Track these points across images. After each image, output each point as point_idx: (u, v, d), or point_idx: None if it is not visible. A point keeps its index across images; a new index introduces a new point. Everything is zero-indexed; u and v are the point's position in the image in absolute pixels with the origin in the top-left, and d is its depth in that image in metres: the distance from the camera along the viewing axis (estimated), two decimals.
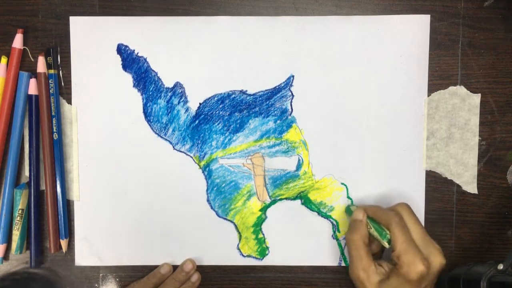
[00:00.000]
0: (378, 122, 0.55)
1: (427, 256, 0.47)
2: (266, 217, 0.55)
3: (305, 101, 0.54)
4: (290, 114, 0.55)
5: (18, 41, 0.54)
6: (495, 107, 0.55)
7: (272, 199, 0.55)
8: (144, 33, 0.54)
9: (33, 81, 0.53)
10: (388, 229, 0.48)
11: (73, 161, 0.55)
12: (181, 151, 0.55)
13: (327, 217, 0.55)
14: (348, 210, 0.54)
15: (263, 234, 0.55)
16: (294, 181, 0.55)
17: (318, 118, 0.55)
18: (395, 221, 0.48)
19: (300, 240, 0.55)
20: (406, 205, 0.50)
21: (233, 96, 0.54)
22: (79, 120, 0.55)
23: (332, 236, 0.55)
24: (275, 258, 0.56)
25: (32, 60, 0.54)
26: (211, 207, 0.55)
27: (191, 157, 0.55)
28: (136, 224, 0.55)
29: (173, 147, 0.55)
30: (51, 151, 0.53)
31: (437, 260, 0.47)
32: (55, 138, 0.54)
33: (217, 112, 0.55)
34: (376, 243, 0.51)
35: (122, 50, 0.54)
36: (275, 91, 0.54)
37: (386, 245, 0.49)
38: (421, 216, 0.55)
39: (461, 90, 0.54)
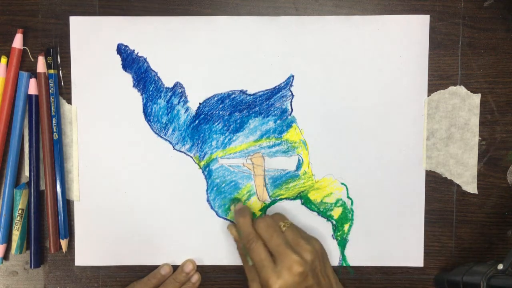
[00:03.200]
0: (378, 122, 0.55)
1: (280, 271, 0.46)
2: None
3: (305, 101, 0.54)
4: (290, 114, 0.55)
5: (18, 41, 0.54)
6: (495, 107, 0.55)
7: (272, 199, 0.55)
8: (144, 33, 0.54)
9: (33, 81, 0.53)
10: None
11: (73, 161, 0.55)
12: (181, 151, 0.55)
13: (327, 217, 0.55)
14: (233, 208, 0.55)
15: None
16: (294, 181, 0.55)
17: (318, 118, 0.55)
18: (247, 247, 0.49)
19: None
20: (263, 220, 0.50)
21: (233, 96, 0.54)
22: (79, 120, 0.55)
23: (332, 236, 0.55)
24: None
25: (32, 60, 0.54)
26: (211, 207, 0.55)
27: (191, 157, 0.55)
28: (136, 224, 0.55)
29: (173, 147, 0.55)
30: (51, 151, 0.53)
31: (291, 272, 0.46)
32: (55, 138, 0.54)
33: (217, 112, 0.55)
34: None
35: (122, 50, 0.54)
36: (275, 91, 0.54)
37: (250, 264, 0.50)
38: (421, 216, 0.55)
39: (461, 90, 0.54)
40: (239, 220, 0.51)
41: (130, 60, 0.54)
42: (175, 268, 0.55)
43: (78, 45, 0.54)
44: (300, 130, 0.55)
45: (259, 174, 0.55)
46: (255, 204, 0.55)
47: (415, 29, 0.54)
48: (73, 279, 0.56)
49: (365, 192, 0.55)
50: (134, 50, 0.54)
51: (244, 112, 0.55)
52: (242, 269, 0.56)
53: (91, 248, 0.55)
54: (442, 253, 0.55)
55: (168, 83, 0.54)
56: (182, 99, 0.55)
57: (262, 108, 0.55)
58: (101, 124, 0.55)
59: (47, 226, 0.54)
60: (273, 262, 0.47)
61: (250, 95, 0.54)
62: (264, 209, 0.55)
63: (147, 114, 0.55)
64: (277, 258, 0.47)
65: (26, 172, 0.55)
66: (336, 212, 0.55)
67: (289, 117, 0.55)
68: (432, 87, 0.54)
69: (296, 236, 0.49)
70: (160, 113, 0.55)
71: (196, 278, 0.55)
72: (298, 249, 0.48)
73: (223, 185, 0.55)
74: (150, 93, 0.55)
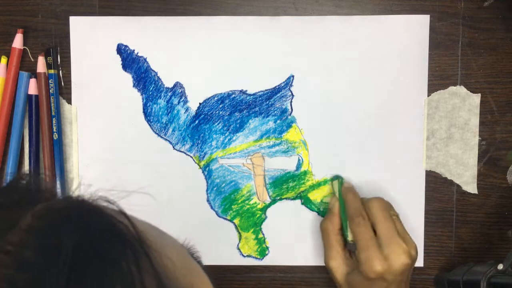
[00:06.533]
0: (378, 122, 0.55)
1: (388, 255, 0.46)
2: (266, 217, 0.55)
3: (305, 101, 0.54)
4: (290, 114, 0.55)
5: (18, 41, 0.54)
6: (495, 107, 0.55)
7: (272, 199, 0.55)
8: (144, 33, 0.54)
9: (33, 81, 0.53)
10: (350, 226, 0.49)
11: (73, 161, 0.55)
12: (181, 151, 0.55)
13: None
14: (336, 184, 0.53)
15: (263, 234, 0.55)
16: (294, 181, 0.55)
17: (318, 118, 0.55)
18: (356, 221, 0.48)
19: (300, 240, 0.55)
20: (379, 201, 0.49)
21: (233, 96, 0.54)
22: (79, 120, 0.55)
23: None
24: (275, 258, 0.56)
25: (32, 60, 0.54)
26: (211, 207, 0.55)
27: (191, 157, 0.55)
28: None
29: (173, 147, 0.55)
30: (51, 151, 0.53)
31: (399, 260, 0.45)
32: (55, 138, 0.54)
33: (217, 112, 0.55)
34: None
35: (122, 50, 0.54)
36: (275, 91, 0.54)
37: (349, 240, 0.50)
38: (421, 216, 0.55)
39: (461, 90, 0.54)
40: (349, 195, 0.51)
41: (130, 60, 0.54)
42: None
43: (78, 45, 0.54)
44: (300, 130, 0.55)
45: (259, 174, 0.55)
46: (255, 204, 0.55)
47: (415, 29, 0.54)
48: None
49: (365, 192, 0.55)
50: (134, 50, 0.54)
51: (244, 112, 0.55)
52: (241, 269, 0.56)
53: None
54: (442, 253, 0.55)
55: (168, 83, 0.54)
56: (182, 99, 0.55)
57: (262, 108, 0.55)
58: (101, 124, 0.55)
59: None
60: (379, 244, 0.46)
61: (250, 95, 0.54)
62: (264, 209, 0.55)
63: (147, 114, 0.55)
64: (384, 242, 0.46)
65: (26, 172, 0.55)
66: None
67: (289, 117, 0.55)
68: (432, 87, 0.54)
69: (404, 230, 0.49)
70: (160, 113, 0.55)
71: None
72: (405, 242, 0.47)
73: (223, 185, 0.55)
74: (150, 93, 0.55)
